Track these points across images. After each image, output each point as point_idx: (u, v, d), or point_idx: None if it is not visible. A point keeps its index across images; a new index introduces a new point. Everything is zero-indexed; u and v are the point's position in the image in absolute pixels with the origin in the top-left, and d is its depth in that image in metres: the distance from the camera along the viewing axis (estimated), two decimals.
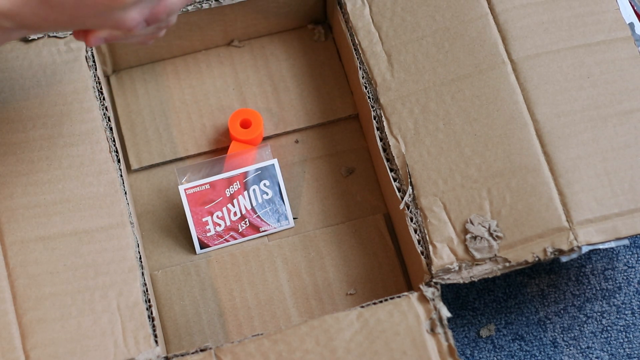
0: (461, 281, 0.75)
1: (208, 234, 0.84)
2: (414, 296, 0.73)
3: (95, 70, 0.82)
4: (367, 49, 0.83)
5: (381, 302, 0.73)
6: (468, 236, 0.75)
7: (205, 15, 0.86)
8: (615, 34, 0.81)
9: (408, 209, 0.78)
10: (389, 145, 0.80)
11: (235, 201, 0.84)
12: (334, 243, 0.85)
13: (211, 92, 0.90)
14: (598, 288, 0.86)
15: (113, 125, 0.81)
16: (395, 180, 0.80)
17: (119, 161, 0.79)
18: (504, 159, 0.77)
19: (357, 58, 0.84)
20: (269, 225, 0.85)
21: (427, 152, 0.79)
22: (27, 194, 0.76)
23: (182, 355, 0.72)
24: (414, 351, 0.71)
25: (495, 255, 0.75)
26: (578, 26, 0.82)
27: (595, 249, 0.83)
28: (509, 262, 0.74)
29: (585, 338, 0.84)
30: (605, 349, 0.84)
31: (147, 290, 0.75)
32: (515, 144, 0.78)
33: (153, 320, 0.74)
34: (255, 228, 0.85)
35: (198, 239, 0.84)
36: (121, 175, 0.79)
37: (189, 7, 0.84)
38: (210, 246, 0.84)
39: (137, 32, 0.65)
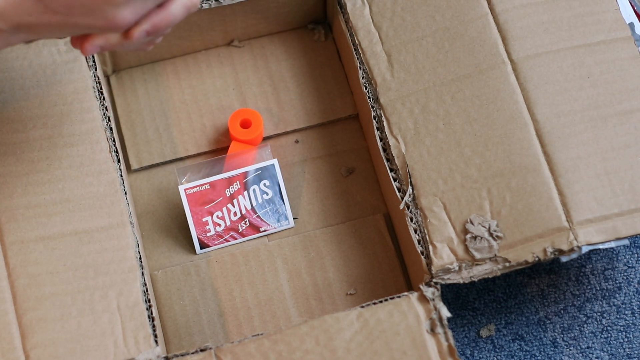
0: (461, 281, 0.75)
1: (208, 234, 0.84)
2: (414, 296, 0.73)
3: (95, 70, 0.82)
4: (367, 49, 0.83)
5: (381, 302, 0.73)
6: (468, 236, 0.75)
7: (205, 15, 0.86)
8: (615, 34, 0.81)
9: (408, 209, 0.78)
10: (389, 145, 0.80)
11: (235, 201, 0.84)
12: (334, 243, 0.85)
13: (211, 92, 0.90)
14: (598, 288, 0.86)
15: (113, 125, 0.81)
16: (395, 180, 0.80)
17: (119, 161, 0.79)
18: (504, 159, 0.77)
19: (357, 58, 0.84)
20: (269, 225, 0.85)
21: (427, 152, 0.79)
22: (27, 194, 0.76)
23: (182, 355, 0.72)
24: (414, 351, 0.71)
25: (495, 255, 0.75)
26: (578, 26, 0.82)
27: (595, 249, 0.83)
28: (509, 262, 0.74)
29: (585, 338, 0.84)
30: (605, 349, 0.84)
31: (147, 290, 0.75)
32: (515, 144, 0.78)
33: (153, 320, 0.74)
34: (255, 228, 0.85)
35: (198, 239, 0.84)
36: (121, 175, 0.79)
37: None
38: (210, 246, 0.84)
39: (134, 39, 0.64)
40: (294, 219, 0.86)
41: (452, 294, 0.86)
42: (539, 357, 0.84)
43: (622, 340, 0.84)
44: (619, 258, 0.87)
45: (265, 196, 0.85)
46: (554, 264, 0.87)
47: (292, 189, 0.87)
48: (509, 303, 0.86)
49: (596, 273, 0.87)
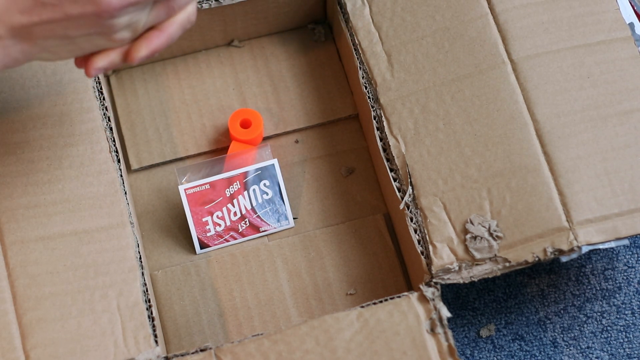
0: (461, 281, 0.75)
1: (208, 234, 0.84)
2: (414, 296, 0.73)
3: None
4: (367, 49, 0.83)
5: (381, 302, 0.73)
6: (468, 236, 0.75)
7: (205, 15, 0.86)
8: (615, 34, 0.81)
9: (408, 209, 0.78)
10: (389, 145, 0.80)
11: (235, 201, 0.84)
12: (334, 243, 0.85)
13: (211, 92, 0.90)
14: (598, 288, 0.86)
15: (113, 125, 0.81)
16: (395, 180, 0.80)
17: (119, 161, 0.79)
18: (504, 159, 0.77)
19: (357, 58, 0.84)
20: (269, 225, 0.85)
21: (427, 152, 0.79)
22: (27, 194, 0.76)
23: (182, 355, 0.72)
24: (414, 351, 0.71)
25: (495, 255, 0.75)
26: (578, 26, 0.82)
27: (595, 249, 0.83)
28: (509, 262, 0.74)
29: (585, 338, 0.84)
30: (605, 349, 0.84)
31: (147, 290, 0.75)
32: (515, 144, 0.78)
33: (153, 320, 0.74)
34: (255, 228, 0.85)
35: (198, 239, 0.84)
36: (121, 175, 0.79)
37: None
38: (210, 246, 0.84)
39: (135, 62, 0.66)
40: (294, 219, 0.86)
41: (452, 294, 0.86)
42: (539, 357, 0.84)
43: (622, 340, 0.84)
44: (619, 258, 0.87)
45: (265, 196, 0.85)
46: (554, 264, 0.87)
47: (292, 189, 0.87)
48: (509, 303, 0.86)
49: (596, 273, 0.87)
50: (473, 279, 0.75)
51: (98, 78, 0.82)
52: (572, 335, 0.85)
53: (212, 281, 0.83)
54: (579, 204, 0.75)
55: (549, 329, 0.85)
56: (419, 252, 0.76)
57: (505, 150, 0.78)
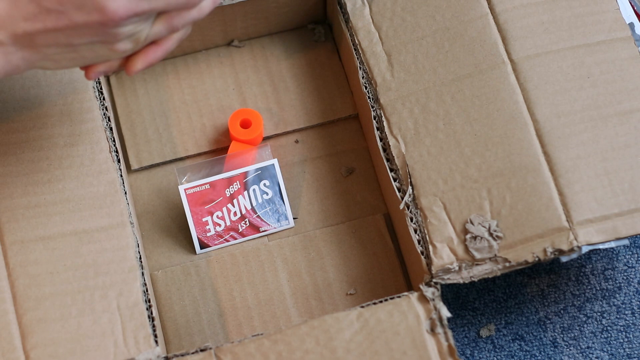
0: (461, 281, 0.75)
1: (208, 234, 0.84)
2: (414, 296, 0.73)
3: None
4: (367, 49, 0.83)
5: (381, 302, 0.73)
6: (468, 236, 0.75)
7: None
8: (615, 34, 0.81)
9: (408, 209, 0.78)
10: (389, 145, 0.80)
11: (235, 201, 0.84)
12: (334, 243, 0.85)
13: (211, 92, 0.90)
14: (598, 288, 0.86)
15: (113, 125, 0.81)
16: (395, 180, 0.80)
17: (119, 161, 0.79)
18: (504, 159, 0.77)
19: (357, 58, 0.84)
20: (269, 225, 0.85)
21: (427, 152, 0.79)
22: (27, 194, 0.76)
23: (182, 355, 0.72)
24: (414, 351, 0.71)
25: (495, 255, 0.75)
26: (578, 26, 0.82)
27: (595, 249, 0.83)
28: (509, 262, 0.74)
29: (585, 338, 0.84)
30: (605, 349, 0.84)
31: (147, 290, 0.75)
32: (515, 144, 0.78)
33: (153, 320, 0.74)
34: (255, 228, 0.85)
35: (198, 239, 0.84)
36: (121, 175, 0.79)
37: None
38: (210, 246, 0.84)
39: (133, 74, 0.67)
40: (294, 219, 0.86)
41: (452, 294, 0.86)
42: (539, 357, 0.84)
43: (622, 340, 0.84)
44: (619, 258, 0.87)
45: (265, 196, 0.85)
46: (554, 264, 0.87)
47: (292, 189, 0.87)
48: (509, 303, 0.86)
49: (596, 273, 0.87)
50: (473, 279, 0.75)
51: (98, 78, 0.82)
52: (572, 335, 0.85)
53: (212, 281, 0.83)
54: (579, 204, 0.75)
55: (549, 329, 0.85)
56: (419, 252, 0.76)
57: (505, 150, 0.78)
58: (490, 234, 0.75)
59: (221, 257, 0.84)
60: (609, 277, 0.86)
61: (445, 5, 0.83)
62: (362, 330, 0.72)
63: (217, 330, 0.81)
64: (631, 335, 0.84)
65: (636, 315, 0.85)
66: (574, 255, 0.75)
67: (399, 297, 0.74)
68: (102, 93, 0.81)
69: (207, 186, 0.84)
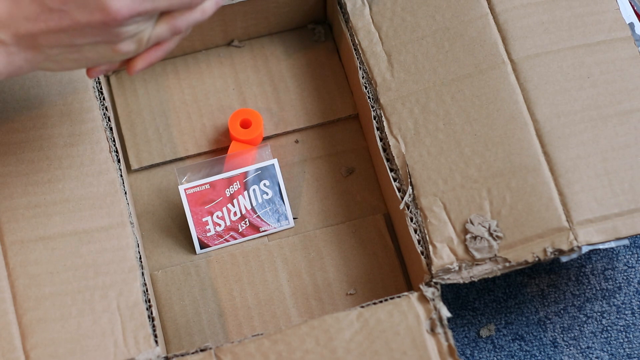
0: (461, 281, 0.75)
1: (208, 234, 0.84)
2: (414, 296, 0.73)
3: None
4: (367, 49, 0.83)
5: (381, 302, 0.73)
6: (468, 236, 0.75)
7: None
8: (615, 34, 0.81)
9: (408, 209, 0.78)
10: (389, 145, 0.80)
11: (235, 201, 0.84)
12: (334, 243, 0.85)
13: (211, 92, 0.90)
14: (598, 288, 0.86)
15: (113, 125, 0.81)
16: (395, 180, 0.80)
17: (119, 161, 0.79)
18: (504, 159, 0.77)
19: (357, 58, 0.84)
20: (269, 225, 0.85)
21: (427, 152, 0.79)
22: (27, 194, 0.76)
23: (182, 355, 0.72)
24: (414, 351, 0.71)
25: (495, 255, 0.75)
26: (578, 26, 0.82)
27: (595, 249, 0.83)
28: (509, 262, 0.74)
29: (585, 338, 0.84)
30: (605, 349, 0.84)
31: (147, 290, 0.75)
32: (515, 144, 0.78)
33: (153, 320, 0.74)
34: (255, 228, 0.85)
35: (198, 239, 0.84)
36: (121, 175, 0.79)
37: None
38: (210, 246, 0.84)
39: (133, 74, 0.68)
40: (294, 219, 0.86)
41: (452, 294, 0.86)
42: (539, 357, 0.84)
43: (622, 340, 0.84)
44: (619, 258, 0.87)
45: (265, 196, 0.85)
46: (554, 264, 0.87)
47: (292, 189, 0.87)
48: (509, 303, 0.86)
49: (596, 273, 0.87)
50: (473, 279, 0.75)
51: (98, 78, 0.82)
52: (572, 335, 0.85)
53: (212, 281, 0.83)
54: (579, 204, 0.75)
55: (549, 329, 0.85)
56: (419, 252, 0.76)
57: (505, 150, 0.78)
58: (490, 234, 0.75)
59: (221, 257, 0.84)
60: (609, 277, 0.86)
61: (445, 5, 0.83)
62: (362, 330, 0.72)
63: (217, 330, 0.81)
64: (631, 335, 0.84)
65: (636, 315, 0.85)
66: (574, 255, 0.75)
67: (399, 297, 0.74)
68: (102, 93, 0.81)
69: (207, 186, 0.84)
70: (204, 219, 0.84)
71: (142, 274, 0.76)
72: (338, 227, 0.85)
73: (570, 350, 0.84)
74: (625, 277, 0.86)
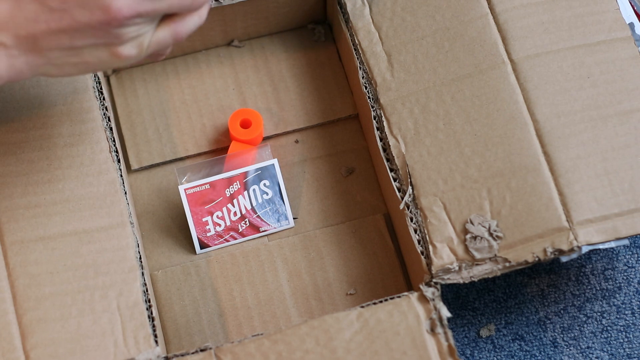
0: (461, 281, 0.75)
1: (208, 234, 0.84)
2: (414, 296, 0.73)
3: None
4: (367, 49, 0.83)
5: (381, 302, 0.73)
6: (468, 236, 0.75)
7: None
8: (615, 34, 0.81)
9: (408, 209, 0.78)
10: (389, 145, 0.80)
11: (235, 201, 0.84)
12: (334, 243, 0.85)
13: (211, 92, 0.90)
14: (598, 288, 0.86)
15: (113, 125, 0.81)
16: (395, 180, 0.80)
17: (119, 161, 0.79)
18: (504, 159, 0.77)
19: (357, 58, 0.84)
20: (269, 225, 0.85)
21: (427, 152, 0.79)
22: (27, 194, 0.76)
23: (182, 355, 0.72)
24: (414, 351, 0.71)
25: (495, 255, 0.75)
26: (578, 26, 0.82)
27: (595, 249, 0.83)
28: (509, 262, 0.74)
29: (585, 338, 0.84)
30: (605, 349, 0.84)
31: (147, 290, 0.75)
32: (515, 144, 0.78)
33: (153, 320, 0.74)
34: (255, 228, 0.85)
35: (198, 239, 0.84)
36: (121, 175, 0.79)
37: None
38: (210, 246, 0.84)
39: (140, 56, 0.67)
40: (294, 219, 0.86)
41: (452, 294, 0.86)
42: (539, 357, 0.84)
43: (622, 340, 0.84)
44: (619, 258, 0.87)
45: (265, 196, 0.85)
46: (554, 264, 0.87)
47: (292, 189, 0.87)
48: (509, 303, 0.86)
49: (596, 273, 0.87)
50: (473, 279, 0.75)
51: (98, 78, 0.82)
52: (572, 335, 0.85)
53: (212, 281, 0.83)
54: (579, 204, 0.75)
55: (549, 329, 0.85)
56: (419, 252, 0.76)
57: (505, 150, 0.78)
58: (490, 234, 0.75)
59: (221, 257, 0.84)
60: (609, 277, 0.86)
61: (445, 5, 0.83)
62: (362, 330, 0.72)
63: (217, 330, 0.81)
64: (631, 335, 0.84)
65: (636, 315, 0.85)
66: (574, 255, 0.75)
67: (399, 297, 0.74)
68: (102, 93, 0.81)
69: (207, 186, 0.84)
70: (204, 219, 0.84)
71: (142, 274, 0.76)
72: (338, 227, 0.85)
73: (570, 350, 0.84)
74: (625, 277, 0.86)
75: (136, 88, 0.90)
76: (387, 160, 0.81)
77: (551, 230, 0.75)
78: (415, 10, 0.83)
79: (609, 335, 0.84)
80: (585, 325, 0.85)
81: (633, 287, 0.86)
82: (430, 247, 0.76)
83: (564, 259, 0.75)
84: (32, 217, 0.76)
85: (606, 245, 0.75)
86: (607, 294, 0.86)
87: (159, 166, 0.88)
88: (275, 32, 0.92)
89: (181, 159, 0.88)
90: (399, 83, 0.82)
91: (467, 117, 0.79)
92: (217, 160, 0.86)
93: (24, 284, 0.74)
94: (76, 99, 0.80)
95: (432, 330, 0.72)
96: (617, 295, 0.86)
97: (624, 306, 0.85)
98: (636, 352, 0.84)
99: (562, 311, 0.85)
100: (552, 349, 0.84)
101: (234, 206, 0.84)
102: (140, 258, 0.76)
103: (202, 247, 0.84)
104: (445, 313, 0.72)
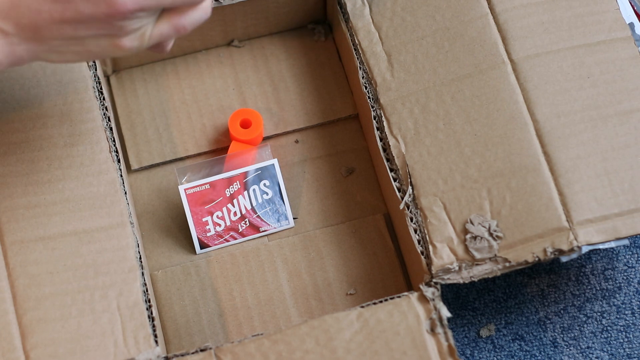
0: (461, 281, 0.75)
1: (208, 234, 0.84)
2: (414, 296, 0.73)
3: (95, 70, 0.82)
4: (367, 49, 0.83)
5: (381, 302, 0.73)
6: (468, 236, 0.75)
7: None
8: (615, 34, 0.81)
9: (408, 209, 0.78)
10: (389, 145, 0.80)
11: (235, 201, 0.84)
12: (334, 243, 0.85)
13: (211, 92, 0.90)
14: (598, 288, 0.86)
15: (113, 125, 0.81)
16: (395, 180, 0.80)
17: (119, 161, 0.79)
18: (504, 159, 0.77)
19: (357, 58, 0.84)
20: (269, 225, 0.85)
21: (427, 152, 0.79)
22: (27, 194, 0.76)
23: (182, 355, 0.72)
24: (414, 351, 0.71)
25: (495, 255, 0.75)
26: (578, 26, 0.82)
27: (595, 249, 0.83)
28: (509, 262, 0.74)
29: (585, 338, 0.84)
30: (605, 349, 0.84)
31: (147, 290, 0.75)
32: (515, 144, 0.78)
33: (153, 320, 0.74)
34: (255, 228, 0.85)
35: (198, 239, 0.84)
36: (121, 175, 0.79)
37: None
38: (210, 246, 0.84)
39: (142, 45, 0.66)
40: (294, 219, 0.86)
41: (452, 294, 0.86)
42: (539, 357, 0.84)
43: (622, 340, 0.84)
44: (619, 258, 0.87)
45: (265, 196, 0.85)
46: (554, 264, 0.87)
47: (292, 189, 0.87)
48: (509, 303, 0.86)
49: (596, 273, 0.87)
50: (473, 279, 0.75)
51: (98, 78, 0.82)
52: (572, 335, 0.85)
53: (212, 281, 0.83)
54: (579, 204, 0.75)
55: (549, 329, 0.85)
56: (419, 252, 0.76)
57: (505, 150, 0.78)
58: (490, 234, 0.75)
59: (221, 257, 0.84)
60: (609, 277, 0.86)
61: (445, 5, 0.83)
62: (362, 330, 0.72)
63: (217, 330, 0.81)
64: (631, 335, 0.84)
65: (636, 315, 0.85)
66: (574, 255, 0.75)
67: (399, 297, 0.74)
68: (102, 93, 0.81)
69: (207, 186, 0.84)
70: (204, 219, 0.84)
71: (142, 274, 0.76)
72: (338, 227, 0.85)
73: (570, 350, 0.84)
74: (625, 277, 0.86)
75: (136, 88, 0.90)
76: (387, 160, 0.81)
77: (551, 230, 0.75)
78: (415, 10, 0.83)
79: (609, 335, 0.84)
80: (585, 325, 0.85)
81: (633, 287, 0.86)
82: (430, 247, 0.76)
83: (564, 259, 0.75)
84: (32, 217, 0.76)
85: (606, 245, 0.75)
86: (607, 294, 0.86)
87: (159, 166, 0.88)
88: (275, 32, 0.92)
89: (181, 159, 0.88)
90: (399, 83, 0.82)
91: (467, 117, 0.79)
92: (217, 160, 0.86)
93: (24, 284, 0.74)
94: (76, 99, 0.80)
95: (432, 330, 0.72)
96: (617, 295, 0.86)
97: (624, 306, 0.85)
98: (636, 352, 0.84)
99: (562, 311, 0.85)
100: (552, 349, 0.84)
101: (234, 206, 0.84)
102: (140, 258, 0.76)
103: (202, 247, 0.84)
104: (445, 313, 0.72)
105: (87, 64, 0.81)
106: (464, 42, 0.82)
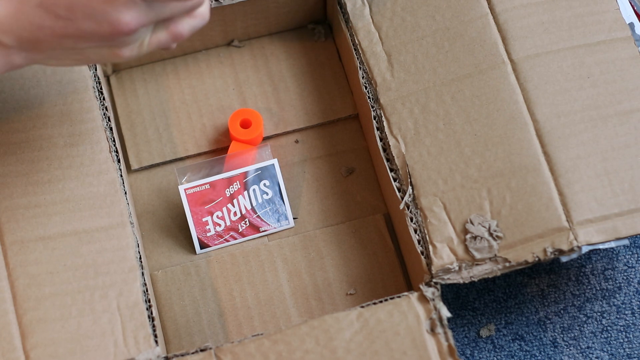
0: (461, 281, 0.75)
1: (208, 234, 0.84)
2: (414, 296, 0.73)
3: (95, 70, 0.82)
4: (367, 49, 0.83)
5: (381, 302, 0.73)
6: (468, 236, 0.75)
7: None
8: (615, 34, 0.81)
9: (408, 209, 0.78)
10: (389, 145, 0.80)
11: (235, 201, 0.84)
12: (334, 243, 0.85)
13: (211, 92, 0.90)
14: (598, 288, 0.86)
15: (113, 125, 0.81)
16: (395, 180, 0.80)
17: (119, 161, 0.79)
18: (504, 159, 0.77)
19: (357, 58, 0.84)
20: (269, 225, 0.85)
21: (427, 152, 0.79)
22: (27, 194, 0.77)
23: (182, 355, 0.72)
24: (414, 351, 0.71)
25: (495, 255, 0.75)
26: (578, 26, 0.82)
27: (595, 249, 0.83)
28: (509, 262, 0.74)
29: (585, 338, 0.84)
30: (605, 349, 0.84)
31: (147, 290, 0.75)
32: (515, 144, 0.78)
33: (153, 320, 0.74)
34: (255, 228, 0.85)
35: (198, 239, 0.84)
36: (121, 175, 0.79)
37: None
38: (210, 246, 0.84)
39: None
40: (294, 219, 0.86)
41: (452, 294, 0.86)
42: (539, 357, 0.84)
43: (622, 340, 0.84)
44: (619, 258, 0.87)
45: (265, 196, 0.85)
46: (554, 264, 0.87)
47: (292, 189, 0.87)
48: (509, 303, 0.86)
49: (596, 273, 0.87)
50: (473, 279, 0.75)
51: (98, 78, 0.82)
52: (572, 335, 0.85)
53: (212, 281, 0.83)
54: (579, 204, 0.75)
55: (549, 329, 0.85)
56: (419, 252, 0.76)
57: (505, 150, 0.78)
58: (490, 234, 0.75)
59: (221, 257, 0.84)
60: (609, 277, 0.86)
61: (445, 5, 0.83)
62: (362, 330, 0.72)
63: (217, 330, 0.81)
64: (631, 335, 0.84)
65: (636, 315, 0.85)
66: (574, 255, 0.75)
67: (399, 297, 0.74)
68: (102, 93, 0.81)
69: (207, 186, 0.84)
70: (204, 219, 0.84)
71: (142, 274, 0.76)
72: (338, 227, 0.85)
73: (570, 350, 0.84)
74: (625, 277, 0.86)
75: (136, 88, 0.90)
76: (387, 160, 0.81)
77: (551, 230, 0.75)
78: (415, 10, 0.83)
79: (609, 335, 0.84)
80: (585, 325, 0.85)
81: (633, 287, 0.86)
82: (430, 247, 0.76)
83: (564, 259, 0.75)
84: (32, 217, 0.76)
85: (606, 245, 0.75)
86: (607, 294, 0.86)
87: (159, 166, 0.88)
88: (275, 32, 0.92)
89: (181, 159, 0.88)
90: (399, 83, 0.82)
91: (467, 117, 0.79)
92: (217, 160, 0.86)
93: (24, 284, 0.74)
94: (76, 99, 0.80)
95: (432, 330, 0.72)
96: (617, 295, 0.86)
97: (624, 306, 0.85)
98: (636, 352, 0.84)
99: (562, 311, 0.85)
100: (552, 349, 0.84)
101: (234, 206, 0.84)
102: (140, 258, 0.76)
103: (202, 247, 0.84)
104: (445, 313, 0.72)
105: None
106: (464, 42, 0.82)
